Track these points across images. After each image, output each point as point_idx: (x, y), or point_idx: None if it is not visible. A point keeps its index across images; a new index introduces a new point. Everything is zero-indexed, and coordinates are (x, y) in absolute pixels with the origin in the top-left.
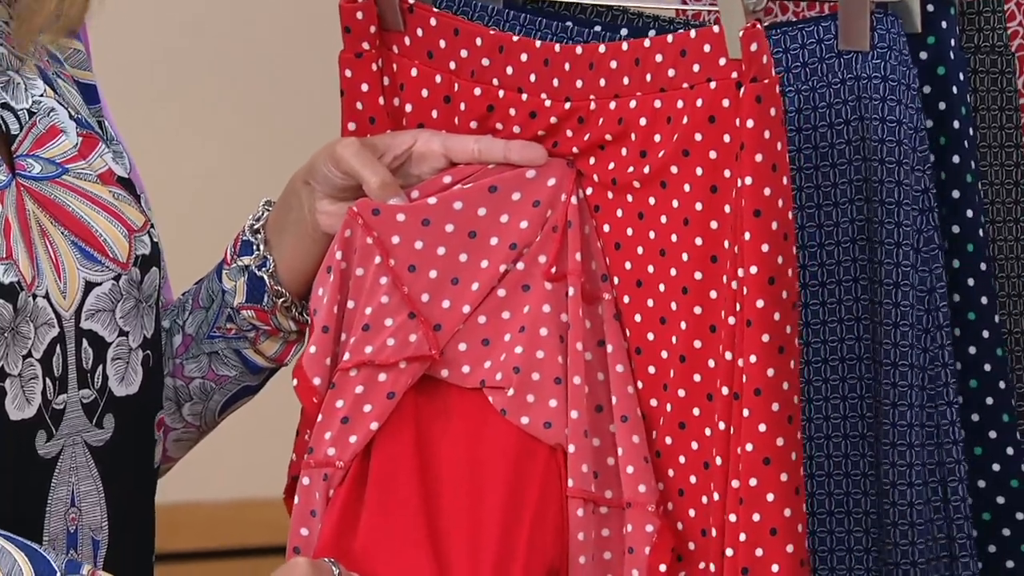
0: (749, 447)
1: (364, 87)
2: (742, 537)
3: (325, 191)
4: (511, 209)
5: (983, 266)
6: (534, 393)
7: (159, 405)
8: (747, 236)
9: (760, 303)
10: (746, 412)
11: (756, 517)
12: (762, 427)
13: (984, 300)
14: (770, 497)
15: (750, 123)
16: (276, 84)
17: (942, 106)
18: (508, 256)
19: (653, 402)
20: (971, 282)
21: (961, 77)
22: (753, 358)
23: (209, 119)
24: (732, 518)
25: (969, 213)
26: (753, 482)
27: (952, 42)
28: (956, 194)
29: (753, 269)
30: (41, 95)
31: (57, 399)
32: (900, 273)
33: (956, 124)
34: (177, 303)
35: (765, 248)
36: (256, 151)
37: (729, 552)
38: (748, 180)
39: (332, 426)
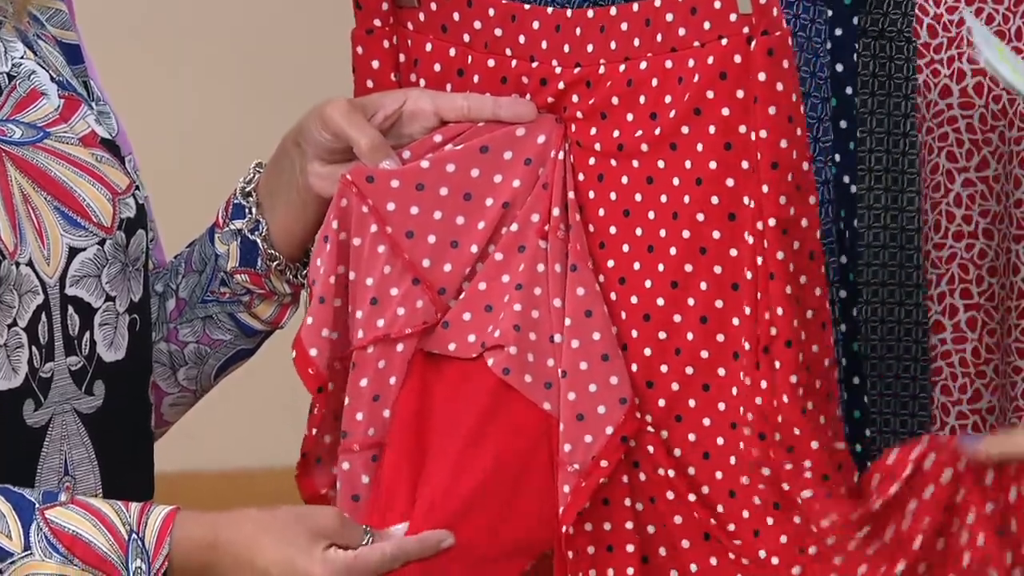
0: (785, 398)
1: (375, 64)
2: (786, 487)
3: (315, 153)
4: (503, 168)
5: (844, 259)
6: (533, 352)
7: (149, 369)
8: (765, 188)
9: (780, 255)
10: (778, 364)
11: (808, 463)
12: (793, 378)
13: (843, 293)
14: (814, 444)
15: (762, 76)
16: (265, 38)
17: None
18: (503, 216)
19: (663, 368)
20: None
21: (839, 68)
22: (780, 310)
23: (196, 73)
24: (765, 472)
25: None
26: (797, 431)
27: (838, 31)
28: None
29: (772, 221)
30: (21, 58)
31: (44, 367)
32: None
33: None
34: (170, 266)
35: (783, 200)
36: (246, 105)
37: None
38: (763, 133)
39: (362, 406)
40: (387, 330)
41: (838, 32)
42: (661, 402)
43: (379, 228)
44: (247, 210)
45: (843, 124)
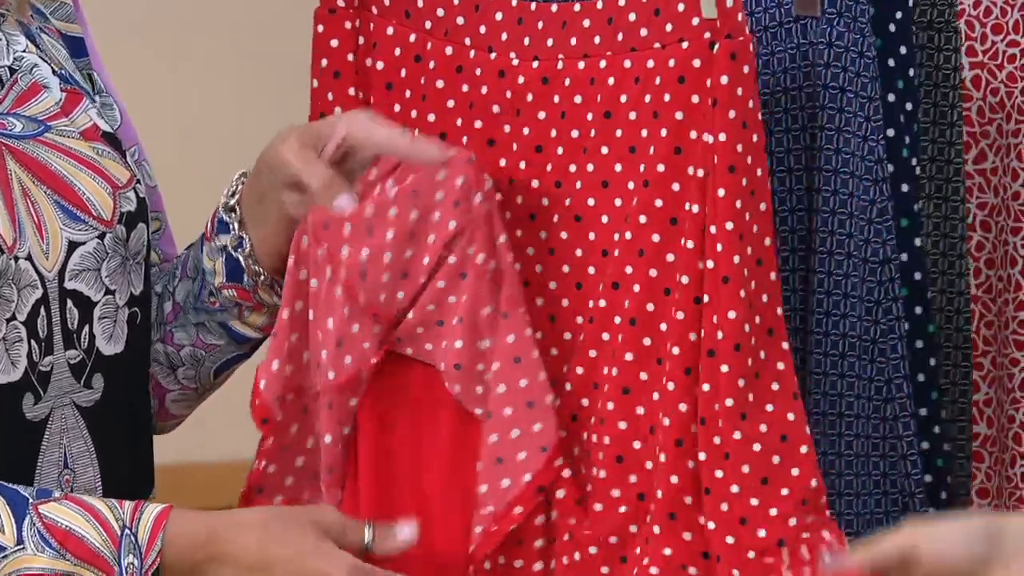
0: (729, 402)
1: (333, 43)
2: (734, 489)
3: (284, 182)
4: (438, 207)
5: (917, 241)
6: (481, 384)
7: (147, 362)
8: (721, 192)
9: (736, 259)
10: (724, 368)
11: (746, 468)
12: (741, 382)
13: (918, 276)
14: (756, 447)
15: (724, 79)
16: (265, 33)
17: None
18: (444, 252)
19: (605, 370)
20: (904, 257)
21: (903, 51)
22: (732, 314)
23: (196, 68)
24: (719, 474)
25: (905, 187)
26: (737, 435)
27: (898, 15)
28: (891, 168)
29: (729, 225)
30: (23, 51)
31: (43, 361)
32: (835, 242)
33: (892, 97)
34: (171, 268)
35: (738, 204)
36: (246, 100)
37: (724, 507)
38: (722, 136)
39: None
40: (357, 366)
41: (898, 15)
42: (610, 405)
43: (334, 273)
44: (230, 226)
45: (908, 106)
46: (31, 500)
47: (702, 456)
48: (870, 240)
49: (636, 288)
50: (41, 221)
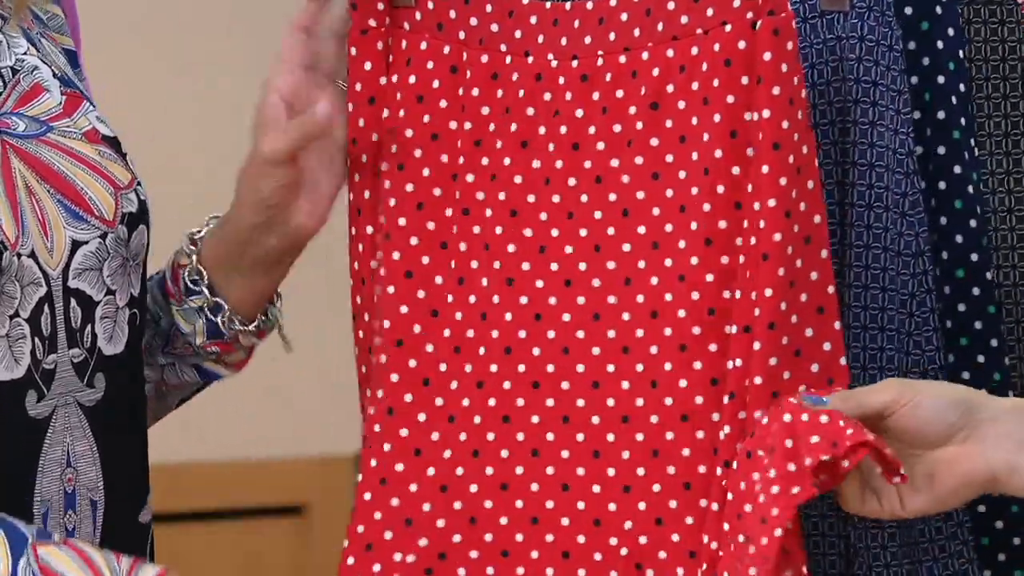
0: (758, 380)
1: (367, 66)
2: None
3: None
4: None
5: (973, 223)
6: None
7: (143, 362)
8: (765, 169)
9: (777, 236)
10: (757, 345)
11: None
12: (773, 360)
13: (975, 257)
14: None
15: (767, 55)
16: (266, 35)
17: (926, 62)
18: None
19: (667, 366)
20: (959, 239)
21: (951, 32)
22: (769, 291)
23: (197, 70)
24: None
25: (957, 169)
26: (758, 414)
27: None
28: (942, 150)
29: (771, 202)
30: (24, 53)
31: (47, 359)
32: (872, 236)
33: (941, 79)
34: None
35: (783, 181)
36: (247, 102)
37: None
38: (766, 113)
39: None
40: None
41: None
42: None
43: None
44: (203, 292)
45: (961, 87)
46: (31, 540)
47: (725, 430)
48: (903, 233)
49: (709, 278)
50: (45, 219)
